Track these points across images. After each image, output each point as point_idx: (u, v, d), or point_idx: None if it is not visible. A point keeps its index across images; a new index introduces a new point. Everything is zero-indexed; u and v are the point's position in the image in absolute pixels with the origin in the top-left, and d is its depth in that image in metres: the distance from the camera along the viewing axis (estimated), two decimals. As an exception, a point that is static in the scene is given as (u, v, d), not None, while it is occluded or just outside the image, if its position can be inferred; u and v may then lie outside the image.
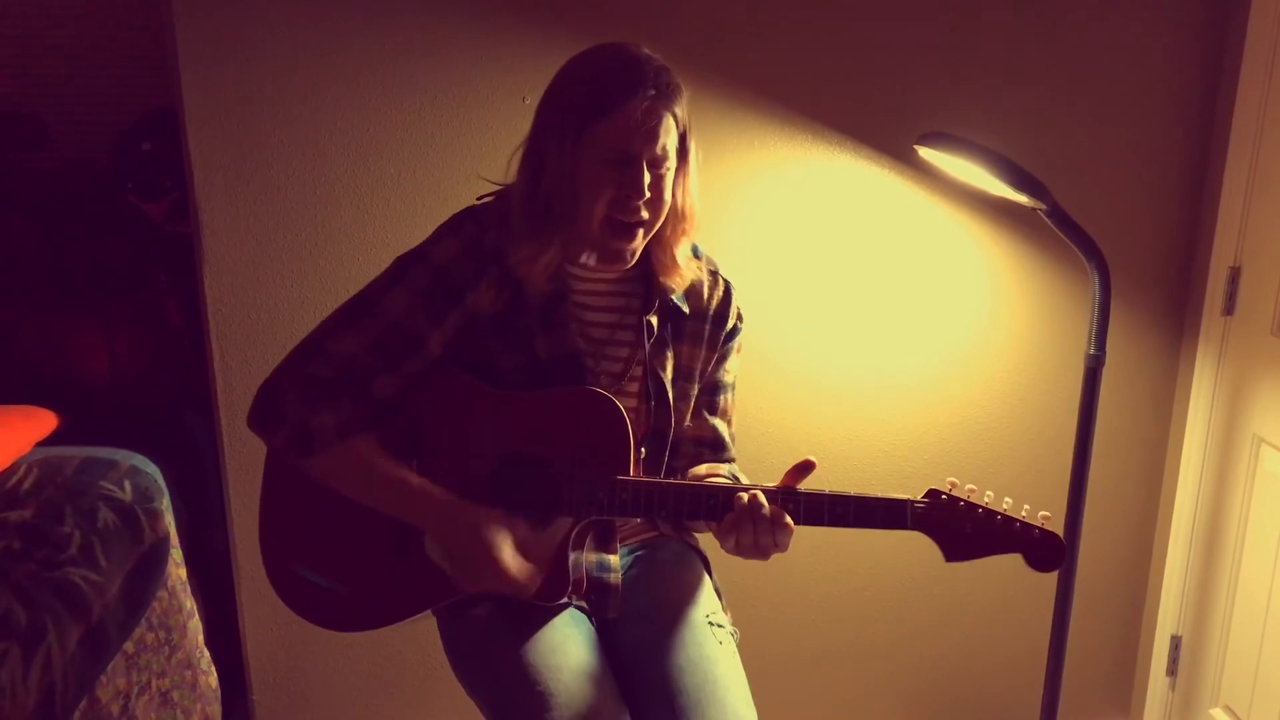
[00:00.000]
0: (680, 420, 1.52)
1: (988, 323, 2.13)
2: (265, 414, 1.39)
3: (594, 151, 1.33)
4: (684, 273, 1.46)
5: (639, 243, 1.39)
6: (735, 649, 1.46)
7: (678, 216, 1.42)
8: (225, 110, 1.84)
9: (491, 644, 1.40)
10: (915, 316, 2.11)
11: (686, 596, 1.49)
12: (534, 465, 1.39)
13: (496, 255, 1.39)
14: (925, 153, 1.71)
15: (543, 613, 1.41)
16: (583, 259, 1.43)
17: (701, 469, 1.54)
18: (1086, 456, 1.76)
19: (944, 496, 1.35)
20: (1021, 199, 1.66)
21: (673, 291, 1.47)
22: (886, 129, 1.99)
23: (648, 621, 1.45)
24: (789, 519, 1.32)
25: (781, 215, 2.02)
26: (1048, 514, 1.36)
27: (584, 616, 1.46)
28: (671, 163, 1.37)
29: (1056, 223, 1.69)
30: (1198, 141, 2.07)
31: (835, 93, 1.97)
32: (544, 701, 1.30)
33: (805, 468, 1.35)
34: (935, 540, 1.35)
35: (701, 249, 1.53)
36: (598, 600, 1.46)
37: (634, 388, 1.47)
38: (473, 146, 1.90)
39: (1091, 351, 1.74)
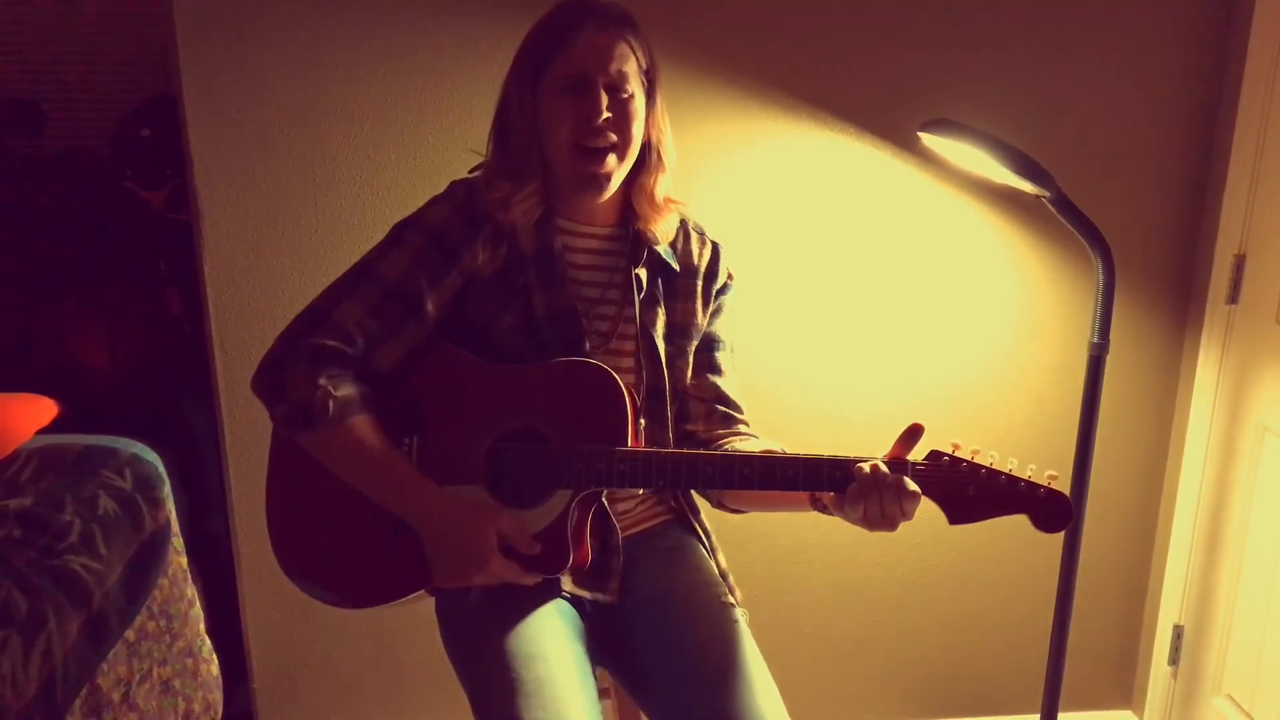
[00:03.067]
0: (679, 378, 1.53)
1: (991, 311, 2.12)
2: (268, 385, 1.39)
3: (552, 86, 1.38)
4: (666, 216, 1.49)
5: (612, 167, 1.40)
6: (748, 630, 1.45)
7: (652, 156, 1.45)
8: (225, 97, 1.84)
9: (479, 627, 1.40)
10: (918, 304, 2.10)
11: (698, 580, 1.50)
12: (532, 440, 1.40)
13: (488, 215, 1.42)
14: (929, 140, 1.70)
15: (532, 601, 1.41)
16: (562, 200, 1.45)
17: (747, 444, 1.51)
18: (1090, 445, 1.76)
19: (946, 458, 1.33)
20: (1026, 186, 1.65)
21: (658, 243, 1.49)
22: (890, 116, 1.98)
23: (660, 607, 1.45)
24: (913, 485, 1.29)
25: (784, 203, 2.01)
26: (1054, 473, 1.33)
27: (573, 610, 1.46)
28: (634, 89, 1.39)
29: (1061, 210, 1.68)
30: (1203, 129, 2.06)
31: (839, 80, 1.96)
32: (513, 688, 1.29)
33: (915, 432, 1.33)
34: (937, 502, 1.33)
35: (690, 216, 1.56)
36: (595, 583, 1.46)
37: (628, 346, 1.48)
38: (474, 131, 1.89)
39: (1095, 340, 1.73)
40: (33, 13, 2.27)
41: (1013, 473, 1.33)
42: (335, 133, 1.88)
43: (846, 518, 1.34)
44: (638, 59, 1.40)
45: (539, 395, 1.40)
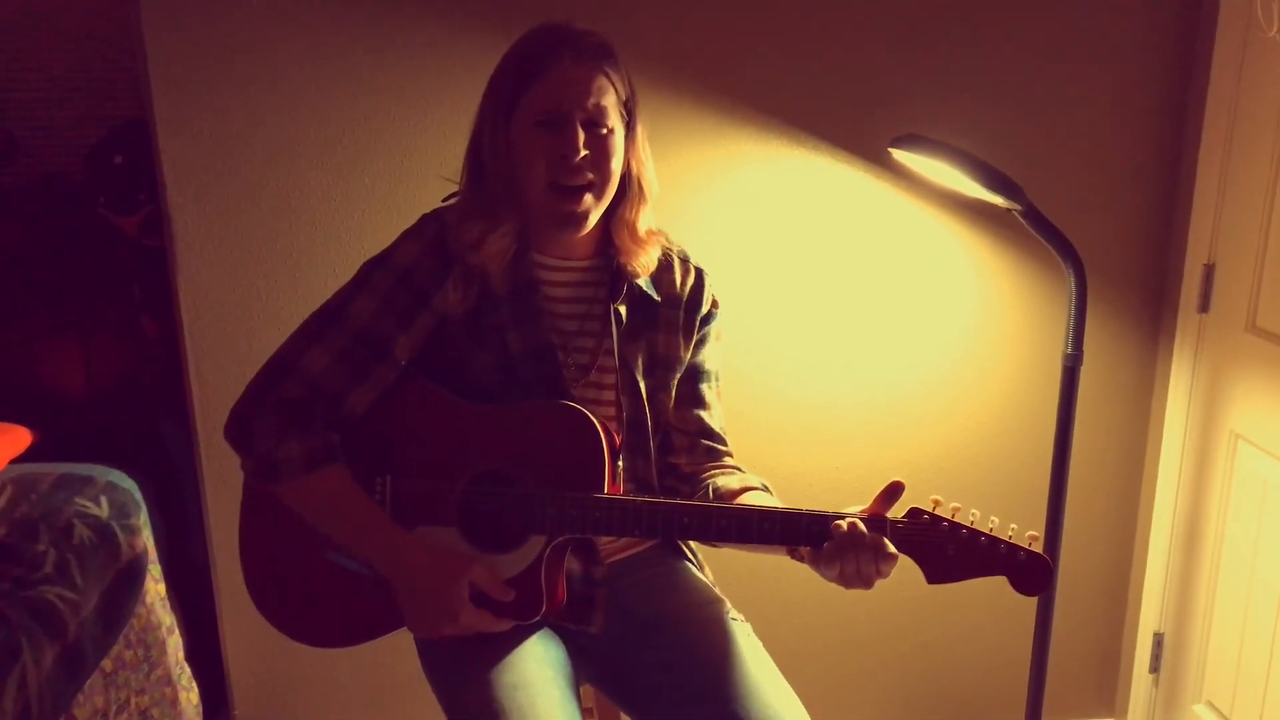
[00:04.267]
0: (662, 411, 1.50)
1: (964, 323, 2.13)
2: (236, 436, 1.38)
3: (526, 118, 1.33)
4: (648, 250, 1.43)
5: (590, 205, 1.36)
6: (758, 640, 1.44)
7: (632, 189, 1.40)
8: (196, 122, 1.83)
9: (459, 655, 1.38)
10: (891, 318, 2.11)
11: (701, 599, 1.47)
12: (506, 484, 1.37)
13: (460, 254, 1.38)
14: (900, 155, 1.71)
15: (516, 633, 1.39)
16: (535, 234, 1.41)
17: (728, 480, 1.49)
18: (1066, 456, 1.77)
19: (926, 516, 1.31)
20: (996, 200, 1.66)
21: (638, 276, 1.44)
22: (860, 132, 1.99)
23: (667, 629, 1.43)
24: (892, 547, 1.26)
25: (756, 220, 2.02)
26: (1035, 534, 1.32)
27: (558, 640, 1.44)
28: (612, 124, 1.34)
29: (1032, 223, 1.70)
30: (1170, 139, 2.09)
31: (808, 97, 1.97)
32: (494, 717, 1.27)
33: (895, 490, 1.30)
34: (916, 561, 1.31)
35: (672, 237, 1.51)
36: (579, 616, 1.44)
37: (608, 379, 1.45)
38: (449, 155, 1.88)
39: (1069, 351, 1.74)
40: (4, 43, 2.27)
41: (993, 533, 1.31)
42: (310, 156, 1.88)
43: (822, 574, 1.31)
44: (616, 91, 1.35)
45: (515, 437, 1.38)
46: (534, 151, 1.33)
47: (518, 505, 1.36)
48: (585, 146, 1.32)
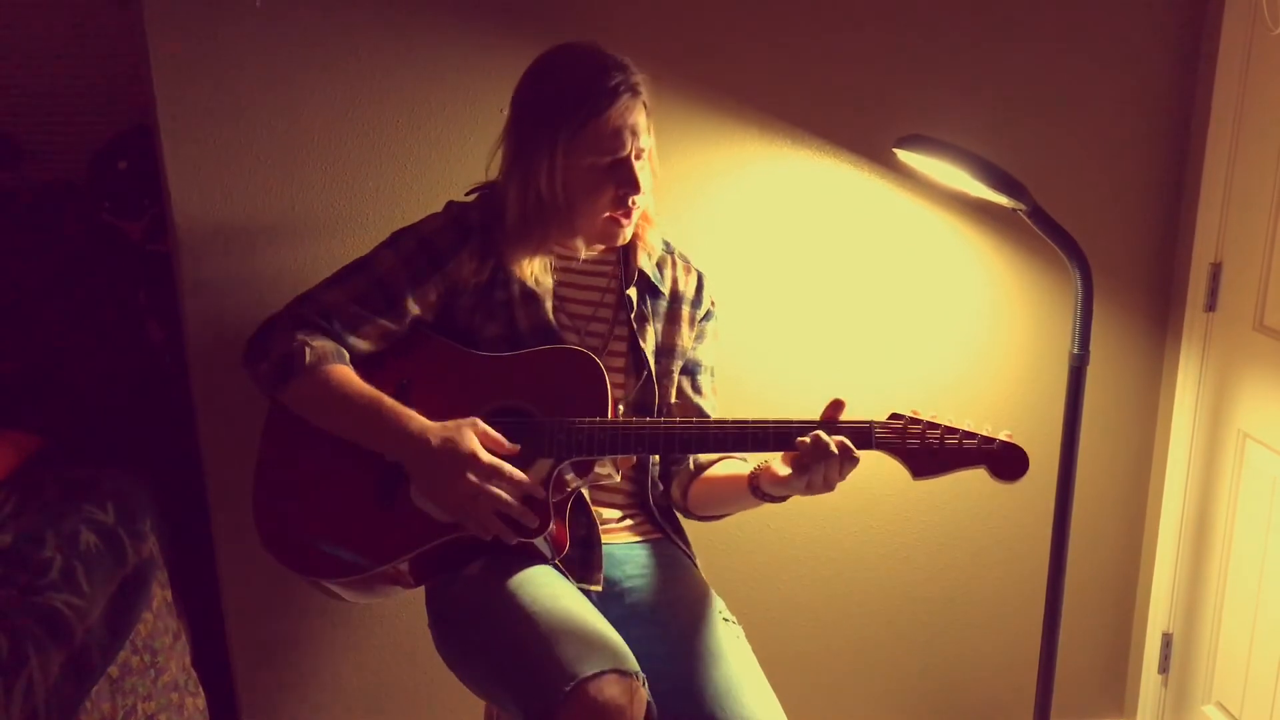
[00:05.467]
0: (665, 396, 1.59)
1: (970, 324, 2.13)
2: (253, 349, 1.49)
3: (583, 159, 1.42)
4: (652, 228, 1.58)
5: (635, 220, 1.51)
6: (746, 643, 1.50)
7: (651, 190, 1.54)
8: (201, 126, 1.83)
9: (484, 595, 1.43)
10: (896, 320, 2.11)
11: (695, 594, 1.53)
12: (516, 415, 1.46)
13: (481, 228, 1.49)
14: (905, 156, 1.70)
15: (531, 566, 1.46)
16: (573, 244, 1.53)
17: (709, 457, 1.61)
18: (1073, 456, 1.76)
19: (905, 419, 1.43)
20: (1001, 200, 1.66)
21: (652, 254, 1.58)
22: (864, 133, 1.99)
23: (658, 619, 1.48)
24: (855, 450, 1.38)
25: (761, 222, 2.02)
26: (1010, 431, 1.43)
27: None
28: (649, 146, 1.47)
29: (1037, 223, 1.69)
30: (1176, 138, 2.08)
31: (812, 98, 1.97)
32: (546, 636, 1.32)
33: (837, 407, 1.43)
34: (899, 459, 1.42)
35: (675, 245, 1.64)
36: (581, 574, 1.51)
37: (619, 362, 1.55)
38: (452, 160, 1.89)
39: (1075, 351, 1.74)
40: (6, 47, 2.27)
41: (969, 428, 1.43)
42: (313, 161, 1.88)
43: (790, 489, 1.41)
44: (646, 118, 1.46)
45: (524, 376, 1.48)
46: (596, 189, 1.44)
47: (526, 430, 1.44)
48: (639, 180, 1.46)
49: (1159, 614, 2.26)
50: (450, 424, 1.41)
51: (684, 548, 1.64)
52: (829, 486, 1.39)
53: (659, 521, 1.64)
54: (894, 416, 1.44)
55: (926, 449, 1.41)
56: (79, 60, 2.29)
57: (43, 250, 2.22)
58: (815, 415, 1.41)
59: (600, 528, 1.55)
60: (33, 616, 1.60)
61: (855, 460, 1.37)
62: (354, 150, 1.88)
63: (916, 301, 2.10)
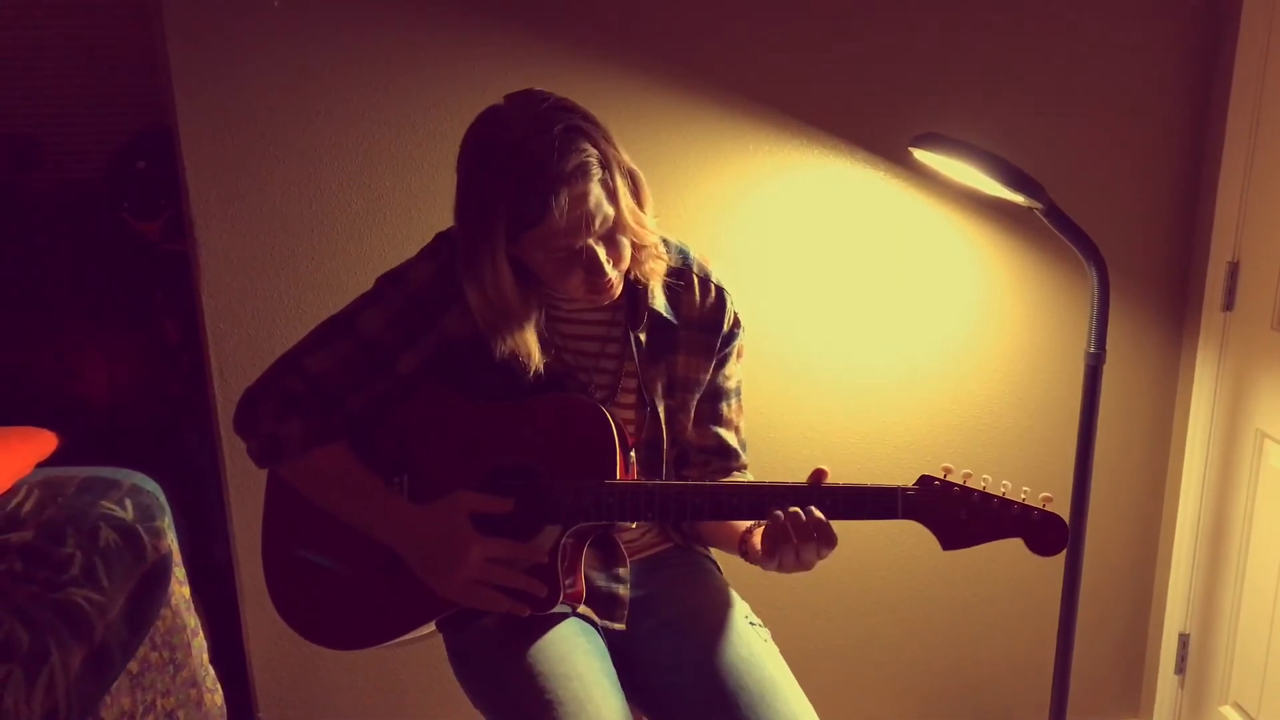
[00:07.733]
0: (681, 430, 1.51)
1: (987, 323, 2.12)
2: (241, 422, 1.43)
3: (535, 255, 1.30)
4: (656, 255, 1.39)
5: (617, 283, 1.35)
6: (776, 648, 1.46)
7: (630, 230, 1.33)
8: (219, 127, 1.84)
9: (498, 653, 1.39)
10: (915, 319, 2.10)
11: (719, 601, 1.49)
12: (520, 475, 1.39)
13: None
14: (920, 155, 1.70)
15: (550, 621, 1.40)
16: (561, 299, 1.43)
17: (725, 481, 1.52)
18: (1089, 456, 1.76)
19: (936, 483, 1.30)
20: (1018, 199, 1.65)
21: (652, 281, 1.41)
22: (881, 132, 1.99)
23: (683, 629, 1.44)
24: (827, 521, 1.29)
25: (779, 220, 2.02)
26: (1049, 495, 1.31)
27: (592, 628, 1.45)
28: (613, 213, 1.28)
29: (1054, 222, 1.69)
30: (1194, 137, 2.07)
31: (829, 97, 1.97)
32: (552, 709, 1.29)
33: (820, 476, 1.33)
34: (930, 528, 1.31)
35: (694, 253, 1.48)
36: (604, 611, 1.45)
37: (629, 400, 1.46)
38: (468, 158, 1.90)
39: (1092, 350, 1.73)
40: (27, 50, 2.29)
41: (1005, 496, 1.30)
42: (330, 162, 1.89)
43: (765, 567, 1.35)
44: (606, 184, 1.26)
45: (527, 431, 1.40)
46: (561, 275, 1.31)
47: (532, 497, 1.37)
48: (607, 258, 1.29)
49: (1175, 614, 2.25)
50: (440, 505, 1.35)
51: (705, 553, 1.61)
52: (804, 566, 1.31)
53: (679, 529, 1.60)
54: (923, 479, 1.30)
55: (958, 520, 1.29)
56: (97, 61, 2.31)
57: (61, 250, 2.24)
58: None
59: (623, 546, 1.49)
60: (54, 611, 1.62)
61: (832, 542, 1.29)
62: (371, 149, 1.89)
63: (931, 300, 2.09)
